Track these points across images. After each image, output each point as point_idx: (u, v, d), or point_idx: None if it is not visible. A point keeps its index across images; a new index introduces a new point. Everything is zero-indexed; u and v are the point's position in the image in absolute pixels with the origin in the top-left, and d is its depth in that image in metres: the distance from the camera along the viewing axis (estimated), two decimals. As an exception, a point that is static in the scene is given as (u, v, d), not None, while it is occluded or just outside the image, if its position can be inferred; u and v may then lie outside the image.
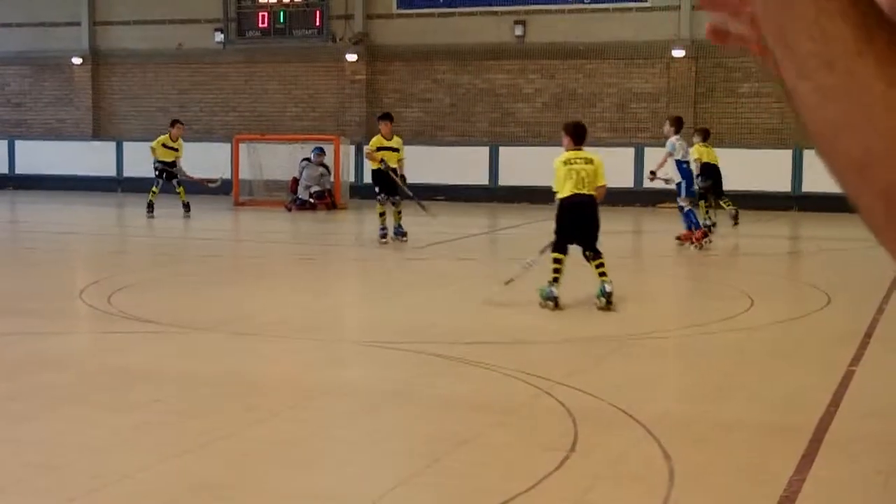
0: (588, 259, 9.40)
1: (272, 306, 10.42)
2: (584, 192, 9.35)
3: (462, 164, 24.13)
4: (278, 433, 5.77)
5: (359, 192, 22.81)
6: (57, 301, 10.39)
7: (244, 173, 23.60)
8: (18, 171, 27.45)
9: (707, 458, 5.36)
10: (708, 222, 17.03)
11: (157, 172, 19.56)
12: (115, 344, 8.33)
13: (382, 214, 14.75)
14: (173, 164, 19.65)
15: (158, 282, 12.15)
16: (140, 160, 22.77)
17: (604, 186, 9.60)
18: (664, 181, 15.34)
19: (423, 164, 24.32)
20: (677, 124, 15.06)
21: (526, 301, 9.21)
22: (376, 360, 7.79)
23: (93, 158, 26.81)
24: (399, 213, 14.94)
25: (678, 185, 14.71)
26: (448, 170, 24.17)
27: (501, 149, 23.90)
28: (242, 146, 23.97)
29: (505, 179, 23.83)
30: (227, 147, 24.70)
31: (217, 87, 26.95)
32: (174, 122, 20.22)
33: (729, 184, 22.06)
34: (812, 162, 21.78)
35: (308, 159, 22.50)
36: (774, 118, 23.28)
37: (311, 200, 21.75)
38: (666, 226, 19.18)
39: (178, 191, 19.48)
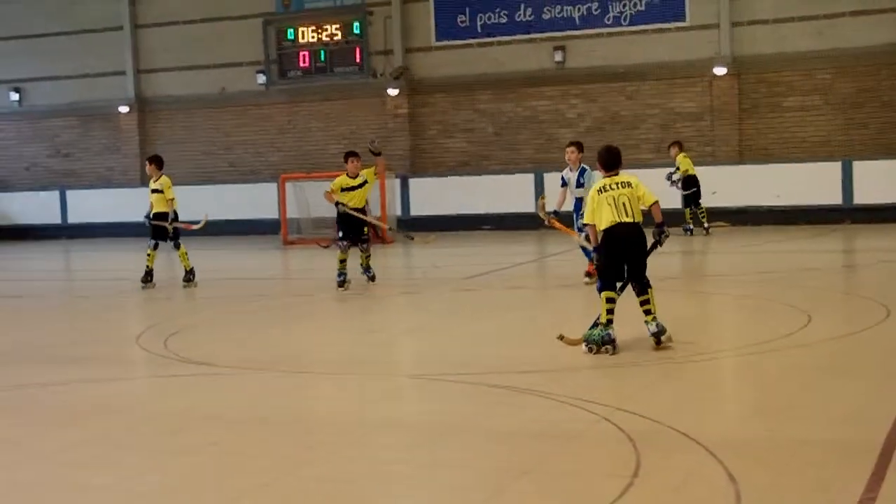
0: (636, 293, 8.56)
1: (324, 343, 10.45)
2: (627, 219, 8.49)
3: (508, 193, 24.17)
4: (337, 471, 5.76)
5: (406, 224, 22.92)
6: (115, 347, 10.50)
7: (291, 212, 23.77)
8: (70, 220, 27.89)
9: (773, 480, 5.26)
10: (689, 226, 20.41)
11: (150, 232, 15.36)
12: (173, 387, 8.39)
13: (343, 261, 13.91)
14: (165, 216, 15.17)
15: (212, 323, 12.24)
16: (187, 204, 22.95)
17: (657, 203, 8.68)
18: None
19: (469, 194, 24.50)
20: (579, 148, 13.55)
21: (575, 328, 9.12)
22: (431, 394, 7.76)
23: (142, 205, 27.05)
24: (368, 256, 14.28)
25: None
26: (494, 199, 24.27)
27: (546, 175, 23.84)
28: (289, 185, 24.16)
29: (551, 206, 23.67)
30: (272, 187, 24.99)
31: (261, 128, 27.25)
32: (149, 159, 16.03)
33: (779, 200, 22.11)
34: (862, 173, 21.59)
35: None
36: (821, 131, 23.07)
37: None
38: (716, 245, 19.03)
39: (178, 254, 15.37)
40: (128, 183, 27.90)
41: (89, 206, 27.67)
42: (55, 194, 28.07)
